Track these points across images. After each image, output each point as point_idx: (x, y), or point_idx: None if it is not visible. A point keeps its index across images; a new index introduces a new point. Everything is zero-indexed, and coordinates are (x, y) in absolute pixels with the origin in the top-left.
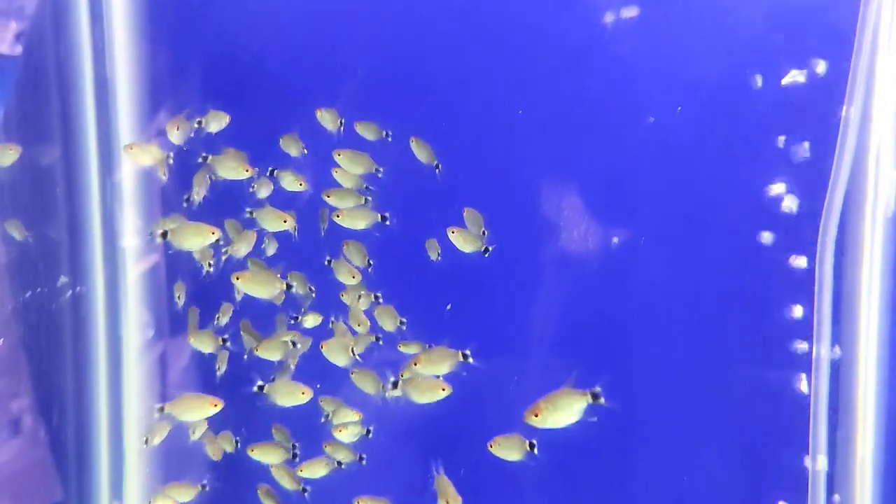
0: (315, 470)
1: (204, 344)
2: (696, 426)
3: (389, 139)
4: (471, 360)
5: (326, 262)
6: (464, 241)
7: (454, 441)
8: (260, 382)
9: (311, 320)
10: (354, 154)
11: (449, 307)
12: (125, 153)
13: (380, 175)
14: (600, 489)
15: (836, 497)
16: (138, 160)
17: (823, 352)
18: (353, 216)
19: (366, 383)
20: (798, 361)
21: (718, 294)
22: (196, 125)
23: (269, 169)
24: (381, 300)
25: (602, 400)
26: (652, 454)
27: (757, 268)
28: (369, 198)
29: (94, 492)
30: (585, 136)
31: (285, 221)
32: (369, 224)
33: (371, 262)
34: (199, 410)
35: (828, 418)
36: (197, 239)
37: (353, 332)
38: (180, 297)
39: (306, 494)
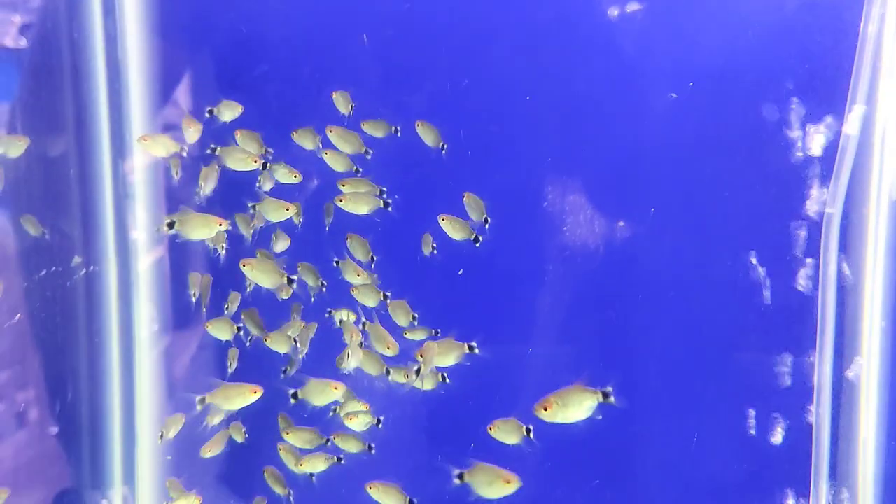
0: (315, 464)
1: (221, 331)
2: (701, 411)
3: (398, 135)
4: (477, 351)
5: (335, 264)
6: (453, 228)
7: (460, 423)
8: (292, 391)
9: (343, 316)
10: (345, 132)
11: (461, 272)
12: (139, 144)
13: (368, 157)
14: (606, 468)
15: (845, 493)
16: (151, 151)
17: (828, 335)
18: (356, 201)
19: (370, 366)
20: (803, 345)
21: (723, 278)
22: (208, 115)
23: (263, 163)
24: (389, 298)
25: (612, 399)
26: (656, 437)
27: (761, 253)
28: (384, 188)
29: (108, 470)
30: (590, 126)
31: (287, 210)
32: (372, 209)
33: (374, 257)
34: (240, 399)
35: (831, 402)
36: (204, 230)
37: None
38: (195, 293)
39: (314, 479)
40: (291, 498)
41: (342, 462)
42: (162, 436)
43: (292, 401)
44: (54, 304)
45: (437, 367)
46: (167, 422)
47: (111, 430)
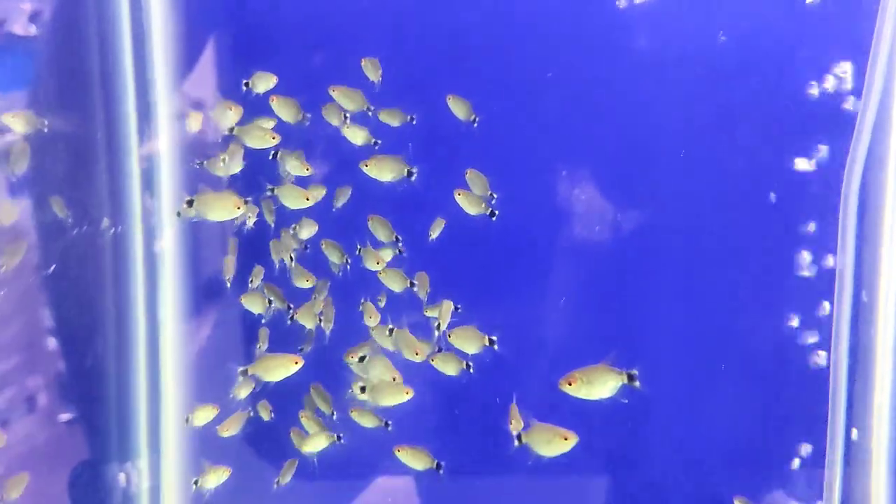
0: (317, 444)
1: (254, 304)
2: (717, 380)
3: (414, 122)
4: (496, 346)
5: (357, 252)
6: (469, 203)
7: (481, 396)
8: (362, 384)
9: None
10: (349, 90)
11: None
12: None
13: (370, 114)
14: (618, 437)
15: (854, 431)
16: (192, 128)
17: (845, 304)
18: (381, 167)
19: (386, 341)
20: (819, 315)
21: (741, 249)
22: (244, 87)
23: (272, 152)
24: (415, 286)
25: (637, 383)
26: (673, 399)
27: (778, 228)
28: (414, 169)
29: (133, 440)
30: (603, 110)
31: (308, 199)
32: (395, 177)
33: (399, 237)
34: (282, 369)
35: (848, 368)
36: (222, 211)
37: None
38: (229, 279)
39: (341, 440)
40: (316, 460)
41: (342, 441)
42: (188, 420)
43: (360, 396)
44: (82, 269)
45: (459, 352)
46: (197, 410)
47: (137, 394)
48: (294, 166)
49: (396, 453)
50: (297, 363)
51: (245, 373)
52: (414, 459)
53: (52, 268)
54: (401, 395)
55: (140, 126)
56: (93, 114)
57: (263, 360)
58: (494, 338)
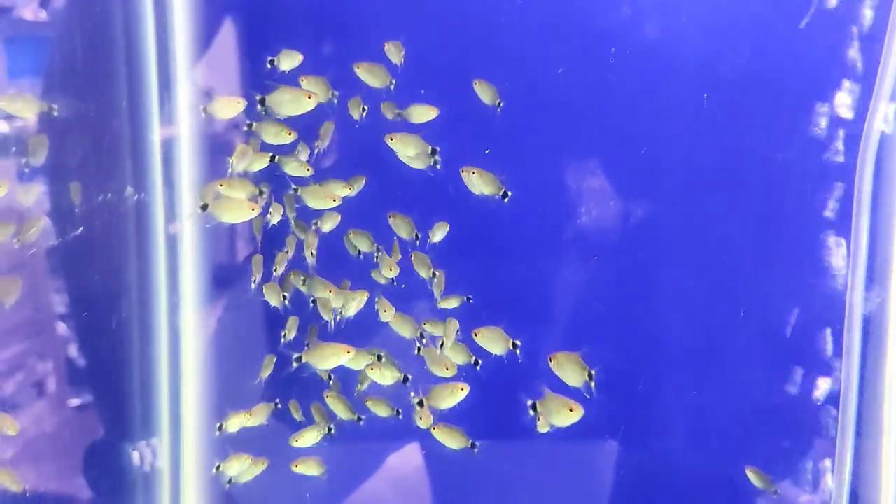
0: (308, 439)
1: (274, 296)
2: (729, 358)
3: (400, 118)
4: (518, 352)
5: (375, 259)
6: (482, 182)
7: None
8: (417, 399)
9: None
10: (372, 66)
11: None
12: (208, 112)
13: (392, 88)
14: (629, 407)
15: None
16: (220, 115)
17: (860, 261)
18: (405, 143)
19: (404, 329)
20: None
21: (753, 225)
22: (269, 65)
23: (271, 155)
24: (436, 276)
25: (592, 384)
26: (685, 374)
27: (792, 202)
28: (437, 149)
29: (154, 417)
30: (606, 114)
31: (334, 200)
32: (419, 153)
33: (419, 235)
34: (334, 358)
35: (862, 328)
36: (237, 213)
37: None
38: (256, 279)
39: (361, 423)
40: (333, 431)
41: (332, 433)
42: (220, 427)
43: (418, 408)
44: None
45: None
46: (230, 416)
47: (159, 372)
48: (294, 168)
49: (433, 431)
50: (348, 352)
51: (299, 360)
52: (449, 438)
53: (80, 229)
54: (459, 394)
55: (161, 108)
56: (117, 97)
57: (316, 347)
58: (518, 342)
